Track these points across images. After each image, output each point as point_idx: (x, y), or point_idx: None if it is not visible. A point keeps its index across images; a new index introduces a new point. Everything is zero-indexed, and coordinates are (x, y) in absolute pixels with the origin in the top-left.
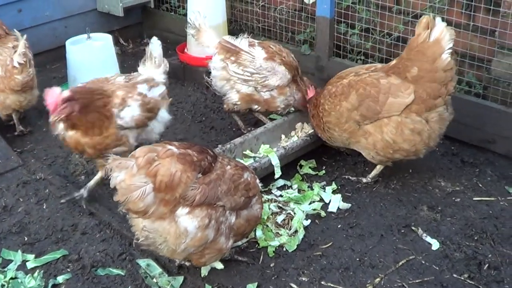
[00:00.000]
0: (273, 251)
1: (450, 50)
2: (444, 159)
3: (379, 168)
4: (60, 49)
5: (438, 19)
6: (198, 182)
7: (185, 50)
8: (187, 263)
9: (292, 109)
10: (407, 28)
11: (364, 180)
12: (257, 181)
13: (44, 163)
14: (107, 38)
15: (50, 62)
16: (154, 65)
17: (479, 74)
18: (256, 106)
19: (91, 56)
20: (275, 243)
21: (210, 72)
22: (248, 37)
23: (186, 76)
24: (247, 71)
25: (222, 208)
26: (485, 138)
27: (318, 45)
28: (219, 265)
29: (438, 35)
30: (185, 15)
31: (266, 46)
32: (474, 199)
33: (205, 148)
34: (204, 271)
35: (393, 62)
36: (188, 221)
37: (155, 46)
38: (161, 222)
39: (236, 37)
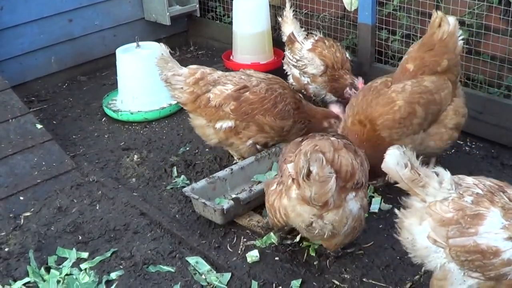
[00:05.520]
0: (315, 250)
1: (462, 36)
2: (484, 162)
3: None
4: (110, 57)
5: (440, 13)
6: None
7: (231, 57)
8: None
9: None
10: None
11: None
12: None
13: (96, 166)
14: (156, 47)
15: (100, 70)
16: None
17: None
18: None
19: (140, 64)
20: (319, 242)
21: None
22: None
23: None
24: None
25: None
26: None
27: (360, 51)
28: (256, 255)
29: (451, 29)
30: (230, 23)
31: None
32: None
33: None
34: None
35: (410, 66)
36: (354, 204)
37: None
38: (337, 210)
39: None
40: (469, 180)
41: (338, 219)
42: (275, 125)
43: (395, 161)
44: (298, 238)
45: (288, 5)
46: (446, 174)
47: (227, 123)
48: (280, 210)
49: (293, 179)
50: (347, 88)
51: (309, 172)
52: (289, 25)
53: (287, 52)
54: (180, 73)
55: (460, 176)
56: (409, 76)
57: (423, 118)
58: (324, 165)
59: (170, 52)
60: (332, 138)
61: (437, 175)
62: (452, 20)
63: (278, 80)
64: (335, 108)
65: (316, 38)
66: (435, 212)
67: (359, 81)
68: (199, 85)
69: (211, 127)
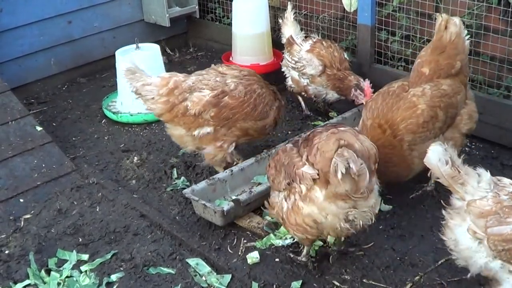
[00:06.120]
0: (315, 251)
1: (468, 35)
2: (484, 162)
3: None
4: (109, 58)
5: (444, 15)
6: None
7: (230, 58)
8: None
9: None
10: None
11: (429, 188)
12: None
13: (96, 168)
14: (155, 48)
15: (99, 72)
16: None
17: None
18: None
19: (140, 66)
20: (319, 243)
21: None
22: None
23: None
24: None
25: None
26: None
27: (360, 52)
28: (256, 257)
29: (458, 30)
30: (230, 24)
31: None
32: None
33: None
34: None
35: (425, 70)
36: (376, 186)
37: None
38: (372, 194)
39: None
40: (506, 180)
41: (375, 202)
42: (257, 127)
43: (437, 157)
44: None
45: (290, 6)
46: (486, 175)
47: (206, 129)
48: (307, 222)
49: (314, 180)
50: (352, 90)
51: (347, 169)
52: (289, 27)
53: (285, 55)
54: (150, 82)
55: (498, 177)
56: (425, 80)
57: (444, 121)
58: (357, 159)
59: (169, 54)
60: (342, 128)
61: (479, 175)
62: (457, 20)
63: (255, 78)
64: None
65: (314, 40)
66: (475, 207)
67: (365, 83)
68: (174, 95)
69: (190, 135)
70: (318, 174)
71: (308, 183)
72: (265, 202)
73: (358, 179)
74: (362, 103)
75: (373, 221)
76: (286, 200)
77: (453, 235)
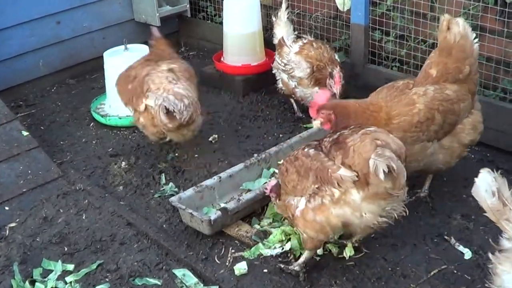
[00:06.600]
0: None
1: (476, 39)
2: (479, 165)
3: (431, 176)
4: (99, 59)
5: (447, 15)
6: None
7: (222, 58)
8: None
9: None
10: None
11: (422, 194)
12: None
13: (83, 174)
14: (144, 49)
15: (89, 72)
16: None
17: None
18: None
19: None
20: None
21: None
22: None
23: (223, 85)
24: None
25: None
26: None
27: (353, 52)
28: (244, 268)
29: (461, 30)
30: (221, 23)
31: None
32: None
33: None
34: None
35: (433, 71)
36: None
37: None
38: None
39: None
40: None
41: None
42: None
43: (485, 187)
44: (287, 247)
45: (284, 6)
46: None
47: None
48: (333, 222)
49: (354, 182)
50: (328, 80)
51: (389, 170)
52: (282, 28)
53: (276, 57)
54: (165, 120)
55: None
56: (431, 81)
57: (441, 126)
58: (395, 157)
59: None
60: (371, 128)
61: None
62: (461, 21)
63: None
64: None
65: (305, 41)
66: None
67: (336, 70)
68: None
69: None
70: (357, 176)
71: (348, 185)
72: (275, 204)
73: (398, 177)
74: (335, 93)
75: (407, 213)
76: (307, 201)
77: (502, 283)
